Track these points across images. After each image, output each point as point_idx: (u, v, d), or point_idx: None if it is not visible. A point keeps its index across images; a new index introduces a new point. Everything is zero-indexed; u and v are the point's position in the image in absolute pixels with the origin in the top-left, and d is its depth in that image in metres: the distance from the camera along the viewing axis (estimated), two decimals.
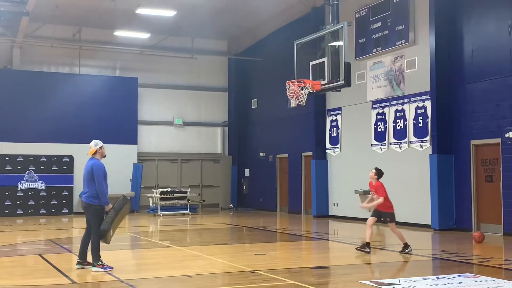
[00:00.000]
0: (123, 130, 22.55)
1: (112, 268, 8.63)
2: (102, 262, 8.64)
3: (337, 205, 19.05)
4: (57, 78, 22.41)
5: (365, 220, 17.19)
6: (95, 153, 8.95)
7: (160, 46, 23.57)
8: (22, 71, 21.96)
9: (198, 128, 25.27)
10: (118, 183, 20.10)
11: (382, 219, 10.70)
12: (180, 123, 24.77)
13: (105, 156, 9.09)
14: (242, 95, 25.24)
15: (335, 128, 19.24)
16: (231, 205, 24.98)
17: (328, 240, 13.59)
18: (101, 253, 8.74)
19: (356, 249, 10.56)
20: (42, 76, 22.17)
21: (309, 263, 10.13)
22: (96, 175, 8.71)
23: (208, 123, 25.44)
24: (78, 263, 8.84)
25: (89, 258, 8.75)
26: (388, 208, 10.66)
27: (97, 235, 8.67)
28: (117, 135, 22.02)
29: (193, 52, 24.18)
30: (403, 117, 16.25)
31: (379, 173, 10.73)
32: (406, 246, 10.49)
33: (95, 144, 8.96)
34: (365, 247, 10.43)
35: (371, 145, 17.44)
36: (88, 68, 23.36)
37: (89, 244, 8.77)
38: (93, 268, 8.62)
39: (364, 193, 17.26)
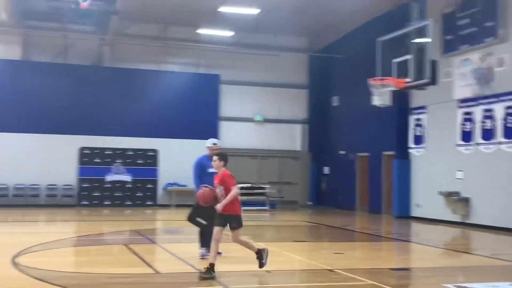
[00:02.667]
0: (205, 125, 23.03)
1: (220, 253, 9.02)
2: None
3: (420, 206, 18.56)
4: (144, 74, 23.21)
5: (450, 223, 16.76)
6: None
7: (242, 44, 23.86)
8: (111, 68, 22.91)
9: (278, 125, 25.38)
10: None
11: (228, 225, 7.94)
12: (260, 120, 24.98)
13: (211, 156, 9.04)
14: (323, 92, 25.09)
15: (419, 127, 18.74)
16: (309, 202, 24.93)
17: (409, 242, 13.28)
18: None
19: (201, 277, 7.63)
20: (129, 73, 23.04)
21: (389, 264, 9.94)
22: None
23: (288, 120, 25.49)
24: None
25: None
26: (236, 210, 7.96)
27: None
28: (199, 131, 22.52)
29: (274, 49, 24.30)
30: (492, 117, 15.59)
31: (224, 158, 8.02)
32: (260, 254, 8.04)
33: (207, 142, 9.50)
34: (210, 271, 7.60)
35: (457, 145, 16.86)
36: (173, 65, 24.03)
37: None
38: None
39: (449, 195, 16.74)
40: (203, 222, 8.76)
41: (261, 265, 7.98)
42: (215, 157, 8.05)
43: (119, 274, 8.06)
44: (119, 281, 7.50)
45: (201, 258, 9.03)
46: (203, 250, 9.15)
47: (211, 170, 9.06)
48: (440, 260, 10.58)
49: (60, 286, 7.05)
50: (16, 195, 21.12)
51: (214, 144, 9.41)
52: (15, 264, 8.47)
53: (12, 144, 21.20)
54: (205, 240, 9.12)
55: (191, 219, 9.25)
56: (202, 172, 9.25)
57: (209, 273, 7.55)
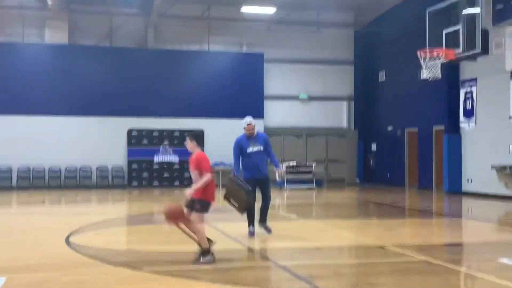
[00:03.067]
0: (250, 105, 22.96)
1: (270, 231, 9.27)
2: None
3: (471, 181, 18.10)
4: (188, 55, 23.29)
5: (503, 197, 16.28)
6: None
7: (286, 21, 23.61)
8: (156, 49, 23.08)
9: (323, 102, 25.12)
10: None
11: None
12: (305, 98, 24.77)
13: (249, 136, 9.22)
14: (369, 68, 24.64)
15: (469, 100, 18.19)
16: (357, 180, 24.68)
17: (461, 217, 12.96)
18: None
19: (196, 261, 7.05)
20: (174, 54, 23.16)
21: (441, 240, 9.73)
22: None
23: (333, 97, 25.20)
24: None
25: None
26: (207, 196, 7.17)
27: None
28: (244, 110, 22.27)
29: (318, 25, 23.97)
30: None
31: (195, 137, 7.31)
32: (204, 253, 7.07)
33: (243, 121, 9.27)
34: (206, 254, 7.04)
35: (510, 117, 16.29)
36: (216, 45, 24.02)
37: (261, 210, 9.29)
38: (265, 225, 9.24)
39: (502, 169, 16.25)
40: (235, 204, 8.68)
41: (195, 261, 7.02)
42: (187, 137, 7.29)
43: (169, 251, 8.15)
44: (169, 259, 7.57)
45: (249, 236, 9.04)
46: (251, 228, 9.15)
47: (249, 150, 9.13)
48: (494, 235, 10.28)
49: (111, 263, 7.18)
50: (68, 177, 21.69)
51: (248, 124, 9.15)
52: (69, 243, 8.68)
53: (62, 127, 21.70)
54: (252, 218, 9.14)
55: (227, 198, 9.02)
56: (241, 152, 9.18)
57: (203, 257, 7.00)
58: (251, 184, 8.88)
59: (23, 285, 6.22)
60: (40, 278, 6.52)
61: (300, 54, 24.67)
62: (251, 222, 9.21)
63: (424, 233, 10.51)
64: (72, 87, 21.85)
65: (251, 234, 9.11)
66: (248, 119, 9.23)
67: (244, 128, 9.21)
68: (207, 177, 7.04)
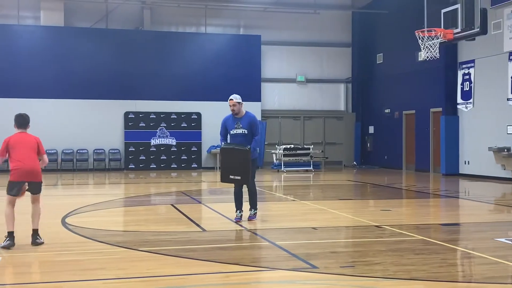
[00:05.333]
0: (247, 87, 22.84)
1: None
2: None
3: (468, 163, 18.10)
4: (185, 37, 23.13)
5: (500, 179, 16.30)
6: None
7: (282, 2, 23.43)
8: (152, 31, 22.90)
9: (321, 85, 25.03)
10: None
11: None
12: (302, 80, 24.67)
13: (235, 114, 8.77)
14: (366, 50, 24.51)
15: (467, 82, 18.13)
16: (354, 162, 24.68)
17: (458, 198, 12.97)
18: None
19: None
20: (170, 36, 23.00)
21: (438, 220, 9.73)
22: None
23: (331, 80, 25.09)
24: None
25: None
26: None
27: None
28: (241, 93, 21.64)
29: (315, 7, 23.78)
30: None
31: (15, 119, 7.19)
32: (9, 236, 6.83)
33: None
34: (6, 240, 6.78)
35: (508, 99, 16.24)
36: (213, 27, 23.83)
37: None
38: (252, 212, 8.87)
39: (499, 151, 16.24)
40: (237, 177, 8.52)
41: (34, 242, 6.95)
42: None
43: (166, 231, 8.14)
44: (165, 238, 7.56)
45: (236, 221, 8.73)
46: (238, 213, 8.81)
47: (233, 132, 8.68)
48: (491, 215, 10.29)
49: (107, 243, 7.16)
50: (65, 160, 21.64)
51: (230, 99, 8.73)
52: (65, 224, 8.66)
53: (58, 110, 21.59)
54: (240, 202, 8.86)
55: (225, 179, 8.78)
56: (226, 132, 8.83)
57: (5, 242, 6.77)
58: None
59: (18, 264, 6.21)
60: (35, 257, 6.50)
61: (297, 36, 24.51)
62: (239, 206, 8.81)
63: (422, 213, 10.52)
64: (68, 70, 21.69)
65: (238, 219, 8.74)
66: (232, 96, 8.78)
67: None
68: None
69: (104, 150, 22.10)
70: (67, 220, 9.05)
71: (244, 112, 8.84)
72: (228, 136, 8.84)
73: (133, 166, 22.12)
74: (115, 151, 22.19)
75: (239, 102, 8.74)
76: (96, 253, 6.68)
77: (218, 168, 22.20)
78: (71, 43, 21.89)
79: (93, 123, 21.84)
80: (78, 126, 21.68)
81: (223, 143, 8.77)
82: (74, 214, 9.75)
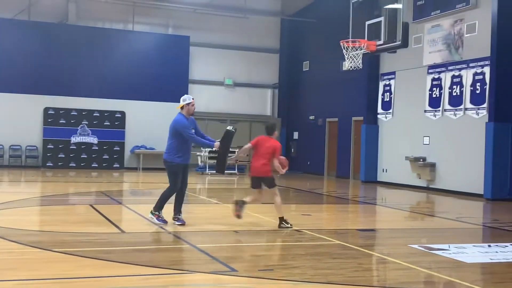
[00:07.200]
0: (174, 88, 22.59)
1: (166, 222, 8.52)
2: (160, 213, 8.58)
3: (386, 171, 18.75)
4: (111, 34, 22.63)
5: (416, 187, 16.98)
6: (182, 108, 8.68)
7: (213, 5, 23.40)
8: (77, 26, 22.24)
9: (248, 89, 25.18)
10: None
11: None
12: (230, 84, 24.73)
13: (192, 114, 8.70)
14: (294, 57, 24.91)
15: (387, 93, 18.80)
16: None
17: (375, 204, 13.41)
18: (151, 206, 8.84)
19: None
20: (96, 32, 22.42)
21: (356, 225, 10.02)
22: (181, 131, 8.48)
23: (258, 85, 25.30)
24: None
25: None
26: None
27: (171, 189, 8.57)
28: (168, 93, 22.13)
29: (246, 11, 23.91)
30: (460, 83, 15.69)
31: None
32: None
33: (183, 99, 8.68)
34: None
35: (425, 111, 16.97)
36: (141, 26, 23.44)
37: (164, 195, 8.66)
38: (150, 215, 8.61)
39: (415, 160, 16.92)
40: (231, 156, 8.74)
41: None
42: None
43: (83, 232, 7.91)
44: (83, 239, 7.35)
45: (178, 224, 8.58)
46: (180, 216, 8.62)
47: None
48: (406, 222, 10.70)
49: (20, 243, 6.87)
50: None
51: (193, 98, 8.73)
52: None
53: None
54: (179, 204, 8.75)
55: (220, 169, 8.98)
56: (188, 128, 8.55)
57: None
58: (182, 170, 8.63)
59: None
60: None
61: (226, 39, 24.55)
62: (178, 209, 8.62)
63: (340, 218, 10.79)
64: None
65: (163, 222, 8.55)
66: (188, 96, 8.72)
67: (188, 104, 8.59)
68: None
69: (20, 147, 21.21)
70: None
71: None
72: (181, 138, 8.52)
73: (52, 164, 21.36)
74: (33, 147, 21.35)
75: None
76: (7, 252, 6.40)
77: (141, 168, 21.85)
78: None
79: (10, 118, 20.91)
80: None
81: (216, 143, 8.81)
82: None
